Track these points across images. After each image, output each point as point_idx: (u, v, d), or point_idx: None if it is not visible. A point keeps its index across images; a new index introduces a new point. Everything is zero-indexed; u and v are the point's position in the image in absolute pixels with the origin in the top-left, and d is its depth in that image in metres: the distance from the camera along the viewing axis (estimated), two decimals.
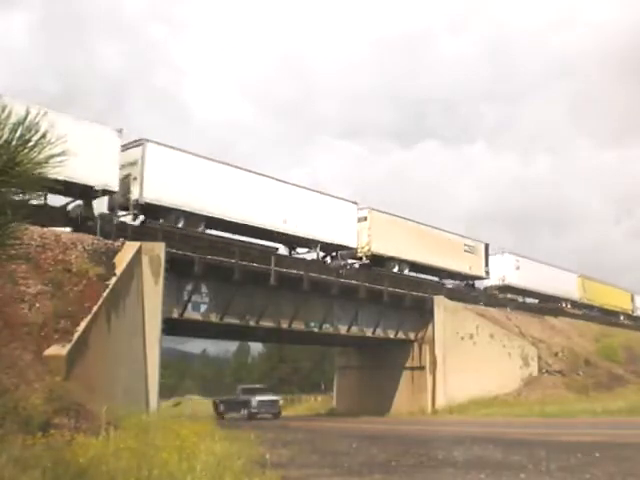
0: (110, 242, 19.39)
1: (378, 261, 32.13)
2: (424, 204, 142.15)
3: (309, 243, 29.01)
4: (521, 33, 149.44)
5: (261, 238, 27.54)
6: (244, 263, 24.92)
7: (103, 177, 20.57)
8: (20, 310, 13.49)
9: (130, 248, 19.40)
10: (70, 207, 21.18)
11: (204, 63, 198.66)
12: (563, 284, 43.90)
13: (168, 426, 10.24)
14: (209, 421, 12.05)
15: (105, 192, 21.21)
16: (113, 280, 16.99)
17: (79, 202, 21.11)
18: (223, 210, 24.68)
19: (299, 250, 29.99)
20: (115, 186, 21.14)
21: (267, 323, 27.46)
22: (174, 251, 21.81)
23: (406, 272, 33.94)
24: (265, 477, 6.90)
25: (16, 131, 1.81)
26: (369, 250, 31.03)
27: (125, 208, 22.70)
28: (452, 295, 35.25)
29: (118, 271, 17.69)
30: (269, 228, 26.61)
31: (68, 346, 13.10)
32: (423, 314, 33.56)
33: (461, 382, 30.89)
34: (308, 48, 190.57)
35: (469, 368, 31.15)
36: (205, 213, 24.38)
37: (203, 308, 24.91)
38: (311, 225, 28.03)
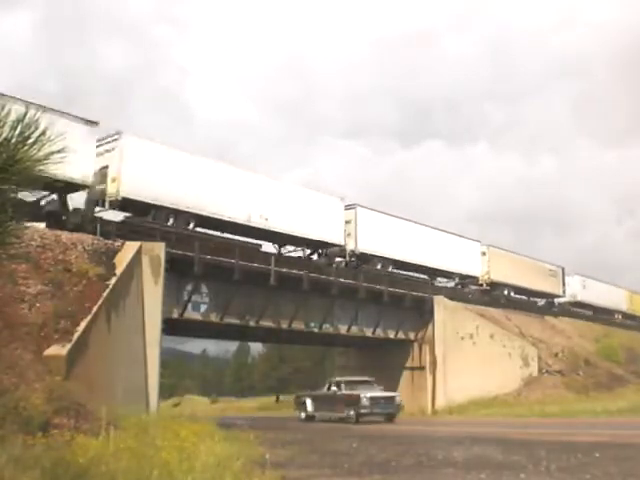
0: (110, 242, 19.39)
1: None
2: (426, 204, 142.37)
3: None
4: (523, 33, 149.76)
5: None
6: (244, 263, 24.92)
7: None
8: (20, 310, 13.48)
9: (130, 248, 19.39)
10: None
11: (207, 63, 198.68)
12: (615, 297, 51.92)
13: (168, 426, 10.24)
14: (209, 421, 12.03)
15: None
16: (113, 280, 16.99)
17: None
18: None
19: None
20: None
21: (267, 323, 27.45)
22: (174, 251, 21.80)
23: (512, 295, 40.88)
24: (265, 477, 6.90)
25: (16, 129, 1.81)
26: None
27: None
28: (452, 295, 35.27)
29: (118, 271, 17.69)
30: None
31: (68, 346, 13.10)
32: (423, 314, 33.58)
33: (461, 382, 30.90)
34: (310, 48, 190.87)
35: (469, 368, 31.16)
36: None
37: (203, 308, 24.90)
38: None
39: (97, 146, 21.22)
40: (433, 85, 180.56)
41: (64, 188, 19.24)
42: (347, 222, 30.14)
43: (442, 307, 33.49)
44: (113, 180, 21.50)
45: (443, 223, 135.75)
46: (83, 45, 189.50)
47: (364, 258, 31.29)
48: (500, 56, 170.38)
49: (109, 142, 21.97)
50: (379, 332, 32.39)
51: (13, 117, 1.83)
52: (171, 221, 23.31)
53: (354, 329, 31.14)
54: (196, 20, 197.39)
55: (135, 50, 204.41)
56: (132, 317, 18.61)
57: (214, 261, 23.88)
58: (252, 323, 26.86)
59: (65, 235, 18.05)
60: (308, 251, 29.68)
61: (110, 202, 21.49)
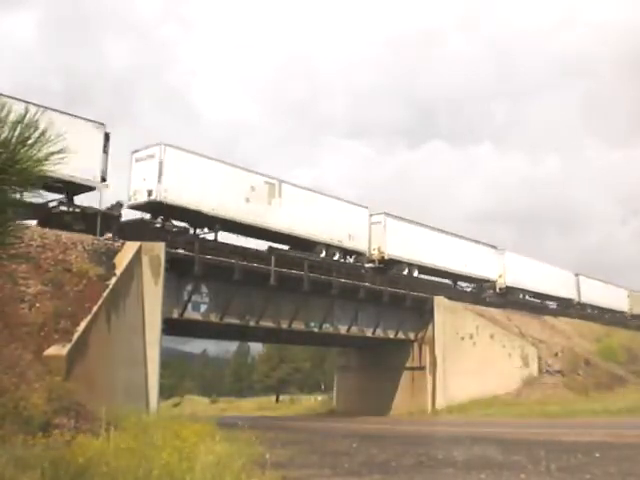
0: (110, 242, 19.39)
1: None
2: (430, 204, 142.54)
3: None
4: (527, 32, 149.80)
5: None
6: (244, 263, 24.91)
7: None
8: (20, 310, 13.48)
9: (130, 248, 19.39)
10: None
11: (212, 63, 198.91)
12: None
13: (168, 426, 10.24)
14: (209, 421, 12.03)
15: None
16: (113, 280, 16.99)
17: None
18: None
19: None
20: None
21: (267, 323, 27.44)
22: (174, 251, 21.80)
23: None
24: (265, 477, 6.90)
25: (15, 129, 1.81)
26: None
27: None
28: (452, 295, 35.28)
29: (118, 271, 17.70)
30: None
31: (68, 346, 13.10)
32: (423, 314, 33.56)
33: (461, 382, 30.88)
34: (315, 48, 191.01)
35: (469, 368, 31.15)
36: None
37: (203, 308, 24.89)
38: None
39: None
40: (437, 85, 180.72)
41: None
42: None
43: (442, 307, 33.48)
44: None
45: (446, 223, 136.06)
46: (89, 45, 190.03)
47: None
48: (504, 55, 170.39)
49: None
50: (379, 332, 32.37)
51: (13, 118, 1.84)
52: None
53: (354, 329, 31.13)
54: (202, 20, 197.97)
55: (141, 50, 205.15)
56: (132, 317, 18.61)
57: (214, 261, 23.88)
58: (252, 323, 26.84)
59: (65, 235, 18.05)
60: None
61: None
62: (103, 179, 20.99)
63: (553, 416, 23.32)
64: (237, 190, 25.19)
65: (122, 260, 18.47)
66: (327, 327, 30.04)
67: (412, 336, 33.97)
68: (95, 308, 15.13)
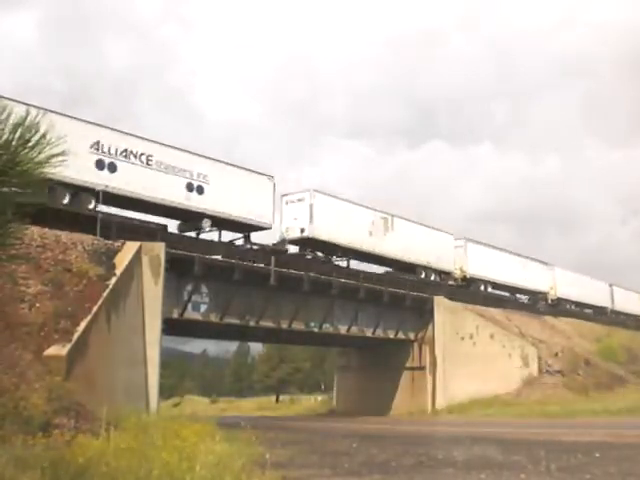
0: (110, 242, 19.39)
1: None
2: (430, 204, 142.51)
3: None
4: (528, 33, 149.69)
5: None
6: (244, 263, 24.92)
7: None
8: (20, 310, 13.49)
9: (130, 248, 19.40)
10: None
11: (213, 63, 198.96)
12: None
13: (168, 426, 10.24)
14: (209, 421, 12.04)
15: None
16: (113, 280, 16.99)
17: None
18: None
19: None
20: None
21: (267, 323, 27.44)
22: (174, 251, 21.81)
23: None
24: (265, 477, 6.90)
25: (16, 131, 1.81)
26: None
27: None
28: (452, 295, 35.28)
29: (118, 271, 17.70)
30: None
31: (68, 346, 13.10)
32: (423, 314, 33.56)
33: (461, 382, 30.88)
34: (315, 48, 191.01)
35: (469, 368, 31.14)
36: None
37: (203, 308, 24.89)
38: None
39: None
40: (437, 85, 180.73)
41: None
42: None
43: (442, 307, 33.48)
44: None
45: (447, 223, 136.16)
46: (89, 45, 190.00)
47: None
48: (505, 55, 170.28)
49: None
50: (379, 332, 32.37)
51: (14, 119, 1.84)
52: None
53: (354, 329, 31.13)
54: (202, 20, 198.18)
55: (141, 49, 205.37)
56: (132, 317, 18.61)
57: (214, 261, 23.88)
58: (252, 323, 26.85)
59: (65, 235, 18.05)
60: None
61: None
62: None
63: (553, 416, 23.33)
64: (363, 225, 30.86)
65: (122, 260, 18.48)
66: (327, 327, 30.04)
67: (412, 336, 33.97)
68: (95, 308, 15.13)
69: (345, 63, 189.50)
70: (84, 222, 20.00)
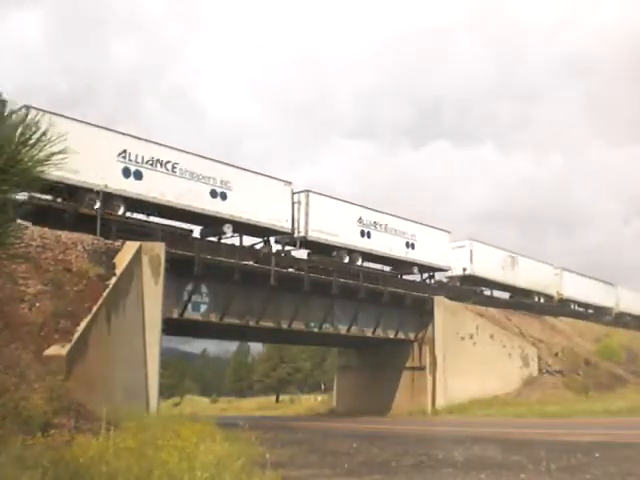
0: (110, 242, 19.40)
1: None
2: (432, 203, 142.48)
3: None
4: (531, 32, 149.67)
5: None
6: (244, 263, 24.92)
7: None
8: (20, 310, 13.48)
9: (130, 248, 19.40)
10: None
11: (217, 63, 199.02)
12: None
13: (168, 426, 10.23)
14: (209, 421, 12.04)
15: None
16: (113, 280, 16.98)
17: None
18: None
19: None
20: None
21: (267, 323, 27.45)
22: (174, 251, 21.82)
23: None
24: (265, 477, 6.90)
25: (17, 129, 1.81)
26: None
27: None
28: (451, 295, 35.29)
29: (118, 271, 17.69)
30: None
31: (68, 346, 13.09)
32: (423, 314, 33.56)
33: (461, 382, 30.88)
34: (320, 47, 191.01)
35: (469, 368, 31.15)
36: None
37: (203, 308, 24.91)
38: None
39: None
40: (440, 85, 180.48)
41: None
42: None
43: (442, 307, 33.48)
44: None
45: (448, 223, 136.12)
46: (94, 44, 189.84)
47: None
48: (508, 55, 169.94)
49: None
50: (379, 332, 32.38)
51: (14, 118, 1.83)
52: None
53: (354, 329, 31.13)
54: (207, 20, 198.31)
55: (146, 49, 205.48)
56: (132, 317, 18.61)
57: (214, 261, 23.89)
58: (252, 323, 26.85)
59: (65, 235, 18.06)
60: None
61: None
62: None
63: (553, 416, 23.33)
64: (499, 262, 39.99)
65: (122, 260, 18.48)
66: (327, 327, 30.05)
67: (412, 336, 33.97)
68: (95, 308, 15.12)
69: (348, 63, 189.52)
70: (84, 222, 20.06)
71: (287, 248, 29.15)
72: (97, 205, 21.33)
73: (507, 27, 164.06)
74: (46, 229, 17.49)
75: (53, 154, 1.87)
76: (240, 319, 26.33)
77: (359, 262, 30.58)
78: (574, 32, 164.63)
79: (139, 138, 23.05)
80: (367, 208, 31.76)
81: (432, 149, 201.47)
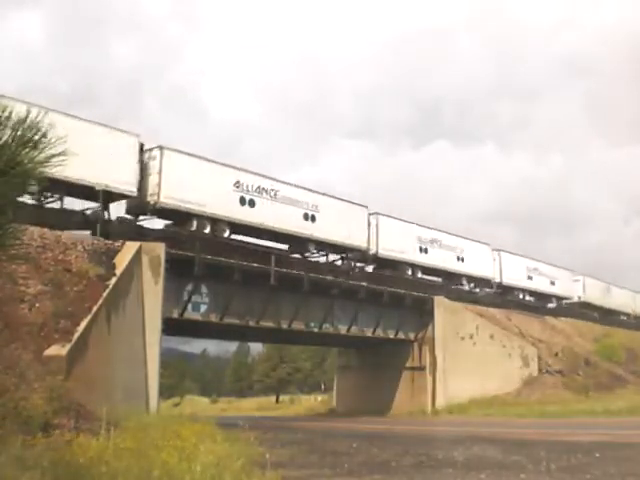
0: (110, 242, 19.40)
1: None
2: (433, 203, 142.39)
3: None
4: (531, 32, 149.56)
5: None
6: (244, 263, 24.93)
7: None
8: (20, 310, 13.48)
9: (130, 248, 19.40)
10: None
11: (220, 62, 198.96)
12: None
13: (168, 426, 10.24)
14: (209, 421, 12.04)
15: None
16: (113, 280, 16.99)
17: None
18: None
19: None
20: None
21: (267, 323, 27.45)
22: (174, 251, 21.83)
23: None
24: (265, 477, 6.89)
25: (17, 131, 1.81)
26: None
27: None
28: (452, 295, 35.28)
29: (118, 271, 17.70)
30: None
31: (68, 346, 13.09)
32: (423, 314, 33.56)
33: (461, 382, 30.89)
34: (321, 47, 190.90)
35: (469, 368, 31.16)
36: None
37: (203, 308, 24.92)
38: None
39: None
40: (441, 85, 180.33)
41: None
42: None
43: (442, 307, 33.48)
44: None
45: (449, 223, 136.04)
46: (95, 44, 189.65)
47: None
48: (508, 55, 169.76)
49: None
50: (379, 332, 32.38)
51: (14, 119, 1.83)
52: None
53: (354, 329, 31.13)
54: (209, 20, 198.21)
55: (148, 49, 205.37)
56: (132, 317, 18.61)
57: (214, 261, 23.89)
58: (252, 323, 26.86)
59: (65, 235, 18.06)
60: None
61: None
62: None
63: (553, 416, 23.33)
64: (602, 291, 48.73)
65: (122, 260, 18.48)
66: (327, 327, 30.05)
67: (412, 336, 33.97)
68: (95, 308, 15.12)
69: (349, 63, 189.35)
70: (84, 223, 20.09)
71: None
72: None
73: (507, 27, 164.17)
74: (46, 229, 17.47)
75: (53, 156, 1.87)
76: (240, 319, 26.33)
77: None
78: (574, 32, 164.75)
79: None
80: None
81: (432, 149, 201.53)
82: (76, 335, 13.65)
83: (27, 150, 1.81)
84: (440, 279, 36.39)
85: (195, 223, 24.15)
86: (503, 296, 40.63)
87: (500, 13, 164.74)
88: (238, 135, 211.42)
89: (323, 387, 61.15)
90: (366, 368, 35.70)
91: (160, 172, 22.83)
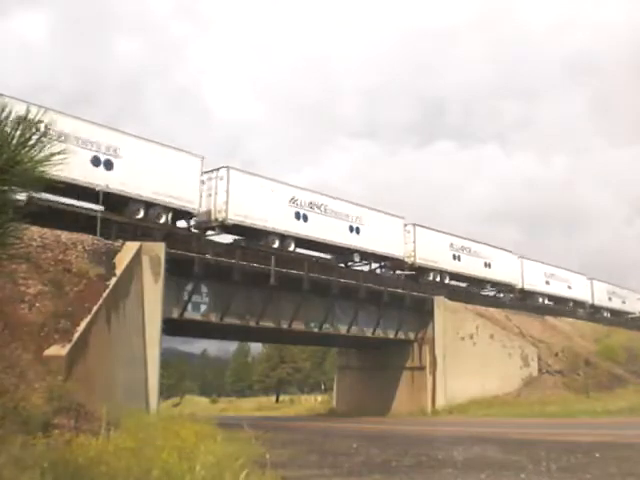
0: (110, 242, 19.40)
1: None
2: (437, 202, 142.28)
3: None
4: (536, 32, 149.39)
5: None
6: (244, 263, 24.93)
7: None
8: (20, 310, 13.48)
9: (130, 248, 19.40)
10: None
11: (222, 62, 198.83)
12: None
13: (168, 426, 10.23)
14: (209, 421, 12.04)
15: None
16: (113, 280, 16.98)
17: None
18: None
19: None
20: None
21: (267, 323, 27.44)
22: (174, 251, 21.82)
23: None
24: (265, 477, 6.89)
25: (16, 129, 1.80)
26: None
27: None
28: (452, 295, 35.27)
29: (118, 271, 17.69)
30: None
31: (68, 346, 13.09)
32: (423, 314, 33.55)
33: (461, 382, 30.88)
34: (324, 46, 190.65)
35: (469, 368, 31.14)
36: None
37: (203, 308, 24.91)
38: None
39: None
40: (444, 85, 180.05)
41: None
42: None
43: (442, 307, 33.46)
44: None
45: (451, 223, 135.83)
46: (98, 44, 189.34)
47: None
48: (512, 55, 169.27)
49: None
50: (379, 332, 32.36)
51: (14, 118, 1.83)
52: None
53: (354, 329, 31.12)
54: (212, 18, 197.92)
55: (151, 49, 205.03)
56: (132, 317, 18.60)
57: (214, 261, 23.89)
58: (252, 323, 26.85)
59: (65, 235, 18.05)
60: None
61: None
62: None
63: (553, 416, 23.32)
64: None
65: (122, 260, 18.48)
66: (327, 327, 30.04)
67: (412, 336, 33.95)
68: (95, 308, 15.12)
69: (353, 63, 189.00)
70: (84, 223, 20.08)
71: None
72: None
73: (511, 27, 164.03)
74: (46, 229, 17.47)
75: (53, 154, 1.87)
76: (240, 319, 26.33)
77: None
78: (577, 31, 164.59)
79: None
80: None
81: (436, 149, 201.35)
82: (76, 335, 13.65)
83: (27, 149, 1.80)
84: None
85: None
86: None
87: (504, 13, 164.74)
88: (241, 135, 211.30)
89: (323, 387, 61.14)
90: (366, 368, 35.68)
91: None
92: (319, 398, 53.61)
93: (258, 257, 26.08)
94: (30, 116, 1.86)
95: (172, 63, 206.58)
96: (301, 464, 10.03)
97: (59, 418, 9.82)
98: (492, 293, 41.48)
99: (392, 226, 33.17)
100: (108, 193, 21.30)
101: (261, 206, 26.32)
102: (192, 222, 25.34)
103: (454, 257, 36.91)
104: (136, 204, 22.46)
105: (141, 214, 22.73)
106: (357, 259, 31.70)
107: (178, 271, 22.20)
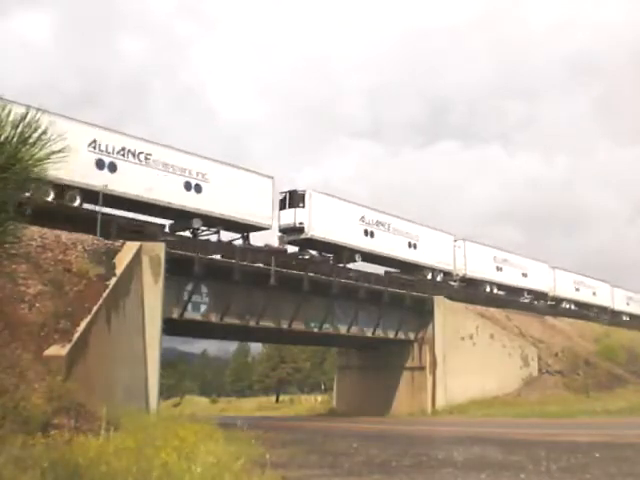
0: (110, 242, 19.38)
1: None
2: (439, 204, 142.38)
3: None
4: (539, 32, 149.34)
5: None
6: (244, 263, 24.92)
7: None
8: (20, 310, 13.48)
9: (130, 248, 19.39)
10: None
11: (226, 62, 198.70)
12: None
13: (168, 426, 10.23)
14: (209, 421, 12.04)
15: None
16: (113, 280, 16.97)
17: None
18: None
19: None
20: None
21: (267, 323, 27.43)
22: (174, 251, 21.82)
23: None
24: (265, 477, 6.89)
25: (17, 128, 1.80)
26: None
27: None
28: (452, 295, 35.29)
29: (118, 271, 17.68)
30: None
31: (68, 346, 13.09)
32: (423, 314, 33.54)
33: (461, 382, 30.87)
34: (326, 45, 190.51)
35: (469, 368, 31.13)
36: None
37: (203, 308, 24.90)
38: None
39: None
40: (447, 84, 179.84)
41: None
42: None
43: (442, 307, 33.46)
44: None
45: (453, 223, 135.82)
46: (102, 44, 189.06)
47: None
48: (516, 55, 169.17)
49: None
50: (379, 332, 32.35)
51: (14, 117, 1.82)
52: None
53: (354, 329, 31.11)
54: (216, 19, 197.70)
55: (155, 49, 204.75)
56: (132, 317, 18.60)
57: (214, 261, 23.88)
58: (252, 323, 26.84)
59: (65, 235, 18.04)
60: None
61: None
62: None
63: (553, 416, 23.32)
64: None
65: (122, 260, 18.46)
66: (327, 327, 30.04)
67: (412, 336, 33.94)
68: (95, 308, 15.11)
69: (356, 62, 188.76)
70: (85, 222, 20.10)
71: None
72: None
73: (515, 27, 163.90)
74: (46, 229, 17.46)
75: (53, 153, 1.86)
76: (240, 319, 26.32)
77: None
78: (578, 32, 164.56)
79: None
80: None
81: (439, 149, 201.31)
82: (76, 335, 13.65)
83: (27, 147, 1.80)
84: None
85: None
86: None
87: (507, 12, 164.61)
88: (244, 135, 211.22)
89: (323, 387, 61.12)
90: (366, 368, 35.67)
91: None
92: (319, 398, 53.58)
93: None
94: (30, 115, 1.85)
95: (176, 63, 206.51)
96: (301, 464, 10.02)
97: (59, 418, 9.82)
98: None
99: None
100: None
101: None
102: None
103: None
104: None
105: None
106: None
107: (178, 271, 22.20)
